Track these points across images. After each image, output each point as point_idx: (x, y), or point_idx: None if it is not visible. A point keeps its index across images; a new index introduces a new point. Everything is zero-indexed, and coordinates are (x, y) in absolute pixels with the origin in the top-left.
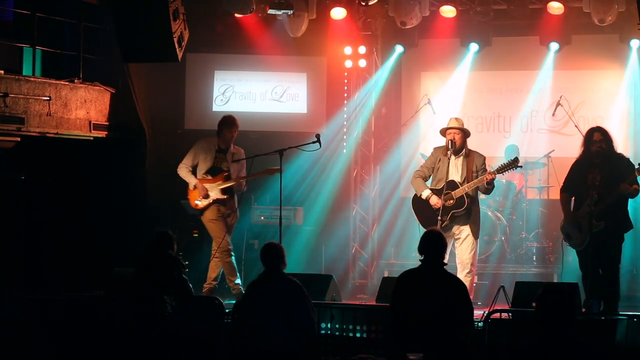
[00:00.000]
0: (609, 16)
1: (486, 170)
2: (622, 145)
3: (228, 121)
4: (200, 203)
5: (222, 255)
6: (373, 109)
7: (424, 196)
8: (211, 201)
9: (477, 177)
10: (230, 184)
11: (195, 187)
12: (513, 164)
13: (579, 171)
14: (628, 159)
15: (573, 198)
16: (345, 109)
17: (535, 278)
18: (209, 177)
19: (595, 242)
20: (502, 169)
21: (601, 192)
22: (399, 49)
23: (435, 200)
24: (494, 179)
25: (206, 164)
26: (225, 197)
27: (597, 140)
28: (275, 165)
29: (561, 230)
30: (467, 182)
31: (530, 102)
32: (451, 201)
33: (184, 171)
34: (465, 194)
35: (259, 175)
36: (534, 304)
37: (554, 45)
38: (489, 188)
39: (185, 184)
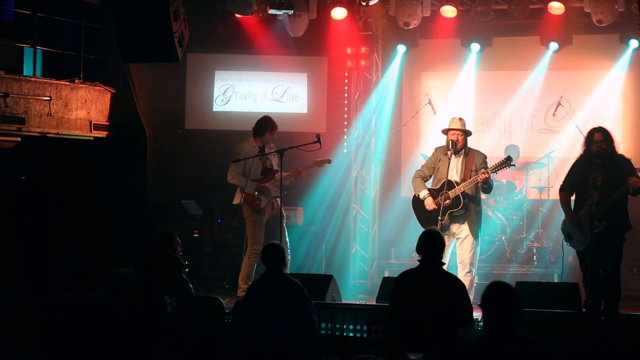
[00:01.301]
0: (608, 16)
1: (487, 169)
2: (622, 145)
3: (272, 124)
4: (261, 204)
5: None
6: (374, 109)
7: (421, 196)
8: (269, 200)
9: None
10: (286, 180)
11: (256, 191)
12: (506, 162)
13: (579, 171)
14: (629, 160)
15: (573, 198)
16: (345, 109)
17: (536, 278)
18: (262, 177)
19: (597, 242)
20: (495, 168)
21: (602, 193)
22: (401, 48)
23: (429, 202)
24: (488, 178)
25: (259, 167)
26: (279, 195)
27: (598, 141)
28: (319, 157)
29: (562, 231)
30: (465, 182)
31: (531, 102)
32: (448, 201)
33: (235, 178)
34: (462, 193)
35: (310, 168)
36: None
37: (553, 45)
38: (485, 187)
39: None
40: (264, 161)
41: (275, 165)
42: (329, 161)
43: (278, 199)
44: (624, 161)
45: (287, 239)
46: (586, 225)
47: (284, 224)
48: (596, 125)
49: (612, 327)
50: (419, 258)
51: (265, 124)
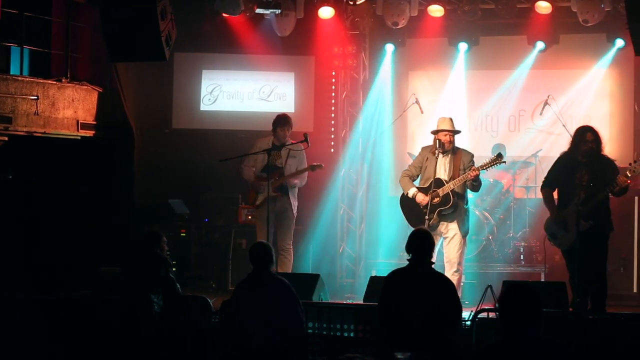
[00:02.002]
0: (594, 16)
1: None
2: (609, 144)
3: (281, 120)
4: (257, 200)
5: None
6: (361, 108)
7: (410, 194)
8: (265, 198)
9: (464, 174)
10: (280, 182)
11: (251, 186)
12: (497, 160)
13: (563, 169)
14: (613, 161)
15: (556, 196)
16: (333, 108)
17: (523, 277)
18: (264, 175)
19: (583, 242)
20: (486, 166)
21: (588, 192)
22: (389, 48)
23: (421, 198)
24: (478, 176)
25: (263, 163)
26: (276, 194)
27: (589, 140)
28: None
29: (545, 230)
30: (453, 180)
31: (518, 102)
32: (437, 199)
33: (244, 171)
34: (451, 191)
35: (302, 172)
36: (496, 304)
37: (540, 44)
38: (475, 185)
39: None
40: (273, 159)
41: (285, 164)
42: (321, 166)
43: (284, 200)
44: (608, 161)
45: (286, 242)
46: (572, 224)
47: (289, 224)
48: (585, 124)
49: (599, 326)
50: (409, 257)
51: (275, 120)
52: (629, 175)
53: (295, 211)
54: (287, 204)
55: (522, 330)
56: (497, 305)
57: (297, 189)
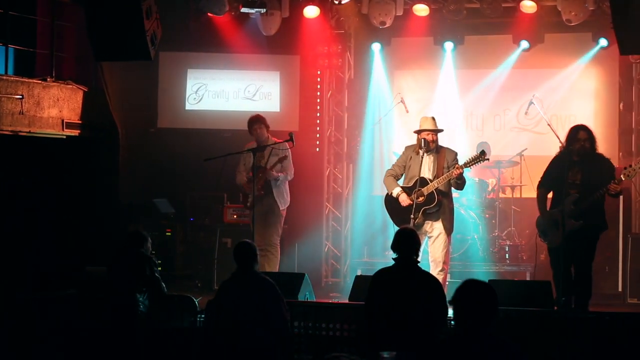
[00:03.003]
0: (578, 15)
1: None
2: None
3: (252, 120)
4: (248, 202)
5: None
6: (346, 108)
7: (394, 194)
8: (252, 198)
9: (448, 172)
10: (263, 178)
11: (241, 189)
12: (480, 157)
13: (558, 168)
14: (609, 160)
15: (550, 195)
16: (318, 107)
17: (508, 276)
18: (251, 177)
19: (571, 241)
20: (469, 163)
21: (581, 192)
22: (376, 47)
23: (404, 198)
24: (462, 173)
25: (249, 165)
26: (261, 193)
27: (582, 139)
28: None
29: (537, 227)
30: (438, 179)
31: (503, 101)
32: (422, 198)
33: (237, 177)
34: (435, 190)
35: (281, 161)
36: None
37: (525, 43)
38: (459, 183)
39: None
40: (258, 159)
41: (268, 163)
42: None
43: (270, 198)
44: (604, 161)
45: (273, 238)
46: (563, 223)
47: (275, 221)
48: (578, 123)
49: (583, 325)
50: (394, 257)
51: (248, 123)
52: (623, 179)
53: (282, 207)
54: (271, 200)
55: (473, 328)
56: (451, 300)
57: (283, 186)
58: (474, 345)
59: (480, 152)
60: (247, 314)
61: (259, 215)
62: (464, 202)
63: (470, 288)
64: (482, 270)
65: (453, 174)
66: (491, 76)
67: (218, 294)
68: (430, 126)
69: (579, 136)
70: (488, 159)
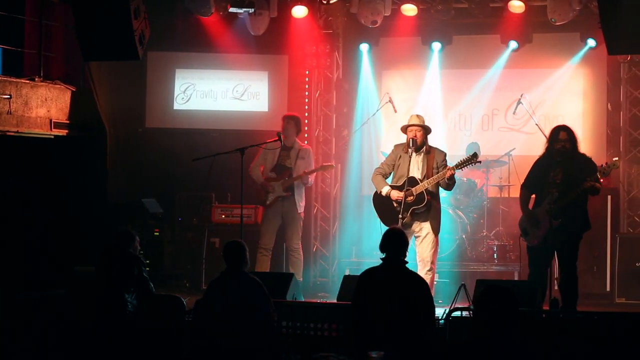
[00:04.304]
0: (561, 15)
1: (447, 166)
2: (582, 143)
3: (287, 116)
4: (267, 200)
5: (269, 254)
6: (334, 107)
7: (383, 192)
8: (275, 198)
9: (437, 173)
10: (291, 182)
11: (261, 186)
12: (472, 159)
13: (540, 168)
14: (590, 159)
15: (534, 195)
16: (306, 107)
17: (496, 276)
18: (274, 175)
19: (551, 240)
20: (461, 165)
21: (561, 190)
22: (364, 47)
23: (396, 194)
24: (453, 175)
25: (272, 163)
26: (287, 194)
27: (562, 139)
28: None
29: (519, 226)
30: (428, 179)
31: (492, 100)
32: (411, 197)
33: (253, 172)
34: (425, 190)
35: (314, 172)
36: (470, 304)
37: (513, 44)
38: (449, 184)
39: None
40: (282, 159)
41: (294, 165)
42: (332, 166)
43: (292, 199)
44: (585, 160)
45: (294, 242)
46: (543, 221)
47: (296, 224)
48: (560, 124)
49: (572, 325)
50: (382, 256)
51: (284, 117)
52: (599, 177)
53: (301, 211)
54: (293, 203)
55: (496, 331)
56: (471, 305)
57: (304, 189)
58: (494, 347)
59: (472, 155)
60: (235, 314)
61: (275, 216)
62: (452, 201)
63: (491, 293)
64: (470, 270)
65: (446, 175)
66: (479, 76)
67: (206, 293)
68: (415, 121)
69: (560, 137)
70: (480, 162)
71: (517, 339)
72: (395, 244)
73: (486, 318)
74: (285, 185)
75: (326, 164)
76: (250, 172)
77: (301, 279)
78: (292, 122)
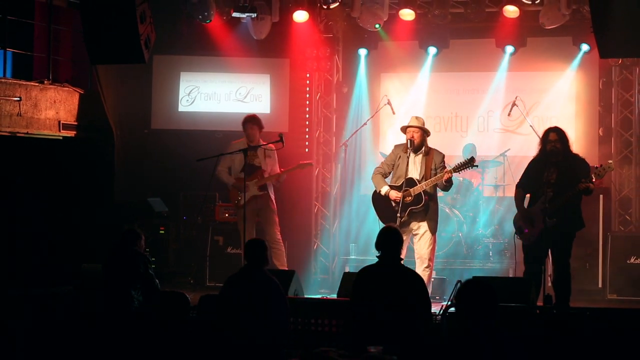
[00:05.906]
0: (550, 19)
1: (445, 167)
2: (575, 145)
3: (246, 119)
4: (241, 200)
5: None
6: (334, 109)
7: (382, 192)
8: (250, 197)
9: (435, 174)
10: (266, 181)
11: (233, 187)
12: (469, 163)
13: (535, 169)
14: (584, 159)
15: (528, 195)
16: (307, 109)
17: (492, 273)
18: (244, 176)
19: (546, 238)
20: (459, 168)
21: (556, 190)
22: (363, 51)
23: (394, 195)
24: (451, 177)
25: (240, 163)
26: (261, 193)
27: (552, 140)
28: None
29: (513, 224)
30: (426, 180)
31: (487, 103)
32: (409, 198)
33: (222, 175)
34: (423, 191)
35: (292, 170)
36: (452, 300)
37: (509, 48)
38: (447, 185)
39: (151, 183)
40: (250, 159)
41: (263, 164)
42: (311, 164)
43: (266, 196)
44: (578, 160)
45: (276, 234)
46: (538, 220)
47: (273, 218)
48: (552, 125)
49: (564, 321)
50: (378, 254)
51: (243, 121)
52: (594, 178)
53: (274, 206)
54: (267, 200)
55: (478, 324)
56: (453, 301)
57: (272, 186)
58: (481, 340)
59: (470, 159)
60: (251, 311)
61: (252, 214)
62: (449, 201)
63: (471, 287)
64: (466, 268)
65: (444, 177)
66: (476, 79)
67: (223, 288)
68: (414, 123)
69: (550, 138)
70: (477, 166)
71: (499, 333)
72: (390, 242)
73: (466, 312)
74: (259, 184)
75: (304, 162)
76: (218, 174)
77: (286, 268)
78: (254, 124)
